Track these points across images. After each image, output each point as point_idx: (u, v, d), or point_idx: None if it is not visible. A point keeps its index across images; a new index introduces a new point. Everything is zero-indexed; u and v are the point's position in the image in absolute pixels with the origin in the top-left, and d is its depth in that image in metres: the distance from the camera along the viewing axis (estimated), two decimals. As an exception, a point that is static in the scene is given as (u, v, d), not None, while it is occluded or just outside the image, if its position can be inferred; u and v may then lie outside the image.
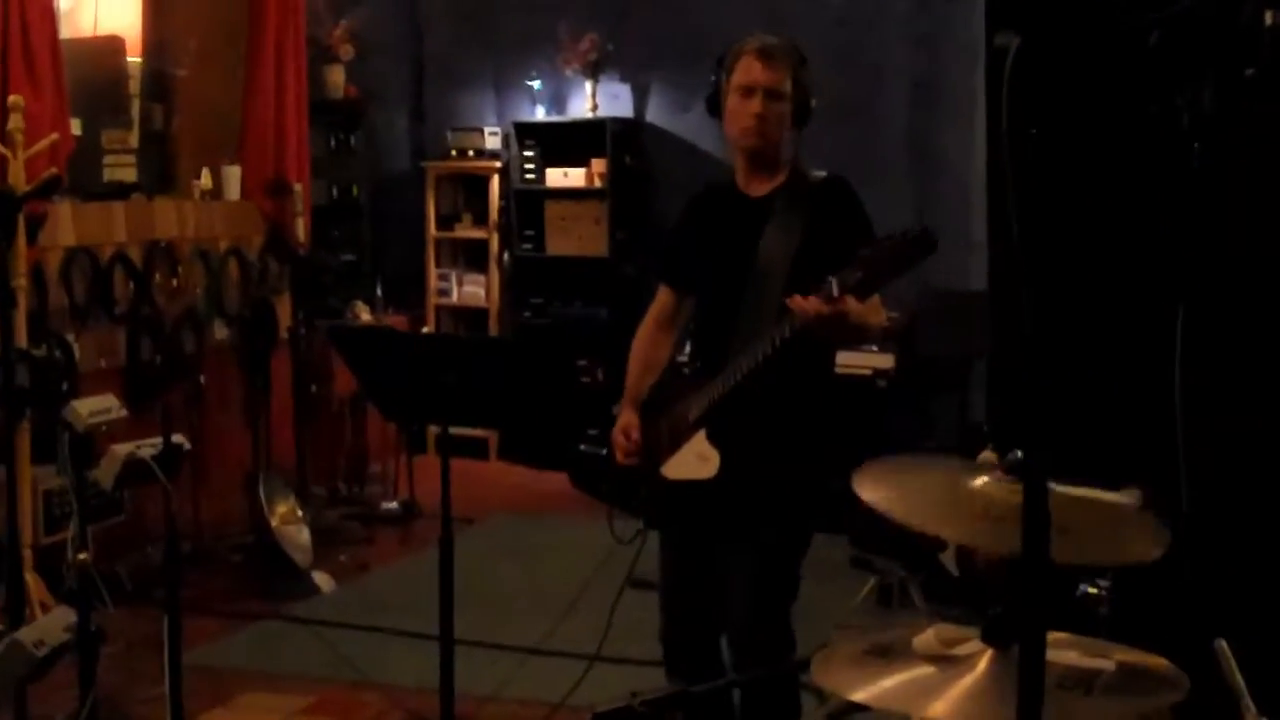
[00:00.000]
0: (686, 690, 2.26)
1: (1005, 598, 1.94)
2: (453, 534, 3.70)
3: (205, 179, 7.38)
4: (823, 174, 3.75)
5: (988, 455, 2.48)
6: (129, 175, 7.34)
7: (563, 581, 5.21)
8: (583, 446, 8.34)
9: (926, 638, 1.95)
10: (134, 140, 7.47)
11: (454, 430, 3.82)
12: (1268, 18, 2.28)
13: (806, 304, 3.29)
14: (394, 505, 7.81)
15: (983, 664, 1.89)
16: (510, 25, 9.49)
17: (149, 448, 4.07)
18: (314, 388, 7.76)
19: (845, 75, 8.06)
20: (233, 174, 7.53)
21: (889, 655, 1.95)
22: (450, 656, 3.72)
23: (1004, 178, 1.52)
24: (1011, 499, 2.02)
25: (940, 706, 1.82)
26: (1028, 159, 1.48)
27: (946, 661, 1.91)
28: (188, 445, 4.27)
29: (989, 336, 6.46)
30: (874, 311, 3.54)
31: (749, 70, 3.65)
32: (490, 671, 5.06)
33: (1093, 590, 3.03)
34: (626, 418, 3.89)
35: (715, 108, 3.79)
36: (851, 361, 7.15)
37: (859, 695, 1.86)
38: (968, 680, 1.86)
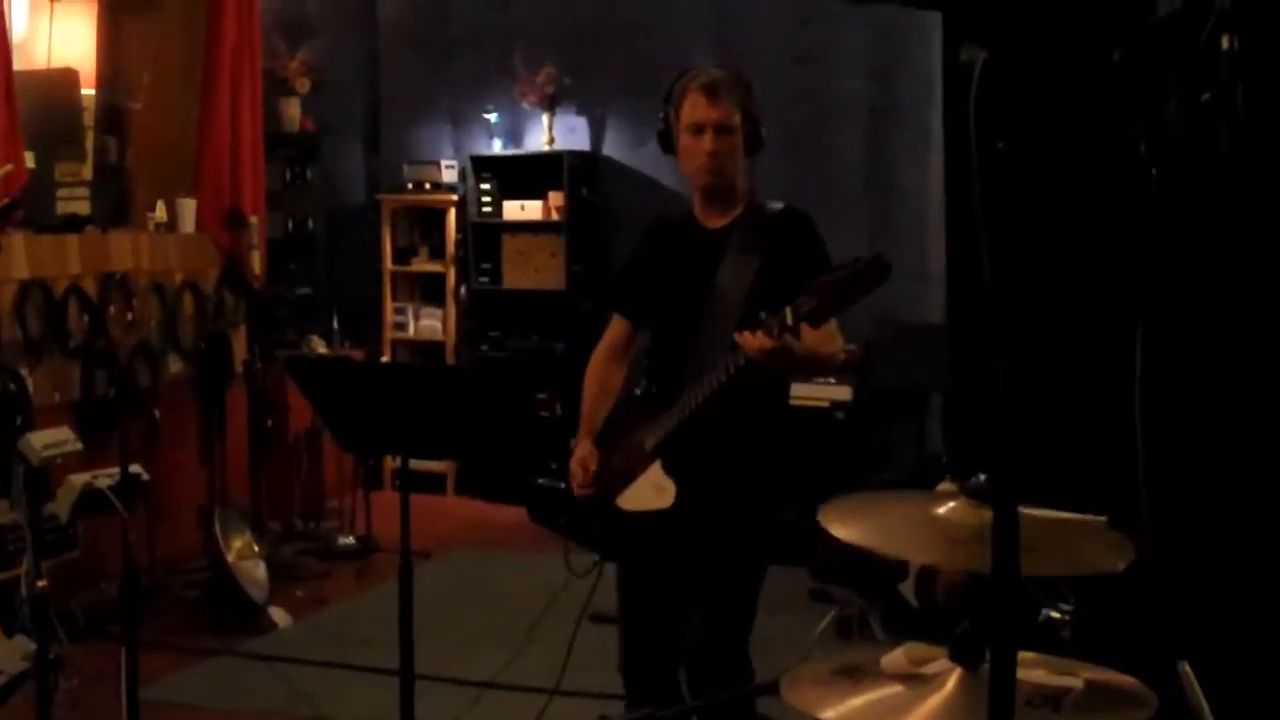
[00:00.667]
0: (654, 714, 2.24)
1: (971, 617, 1.94)
2: (412, 567, 3.67)
3: (160, 211, 7.33)
4: (780, 206, 3.75)
5: (946, 486, 2.49)
6: (83, 208, 7.31)
7: (520, 615, 5.18)
8: (540, 480, 8.33)
9: (895, 657, 1.94)
10: (88, 173, 7.45)
11: (412, 465, 3.80)
12: (1224, 41, 2.29)
13: (752, 340, 3.28)
14: (351, 540, 7.74)
15: (951, 683, 1.88)
16: (466, 58, 9.51)
17: (106, 478, 4.02)
18: (270, 422, 7.71)
19: (801, 107, 8.13)
20: (188, 206, 7.48)
21: (858, 675, 1.95)
22: (410, 691, 3.69)
23: (965, 202, 1.52)
24: (975, 521, 2.02)
25: (909, 725, 1.81)
26: (995, 173, 1.48)
27: (915, 680, 1.91)
28: (145, 475, 4.23)
29: (946, 368, 6.49)
30: (828, 341, 3.53)
31: (696, 108, 3.64)
32: (449, 706, 5.02)
33: (1055, 615, 3.04)
34: (583, 449, 3.88)
35: (668, 144, 3.78)
36: (809, 393, 7.18)
37: (828, 714, 1.85)
38: (937, 699, 1.86)
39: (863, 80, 8.35)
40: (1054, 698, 1.89)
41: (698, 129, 3.64)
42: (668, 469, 3.65)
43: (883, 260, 3.13)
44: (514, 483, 8.48)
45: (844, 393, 7.39)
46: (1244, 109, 2.37)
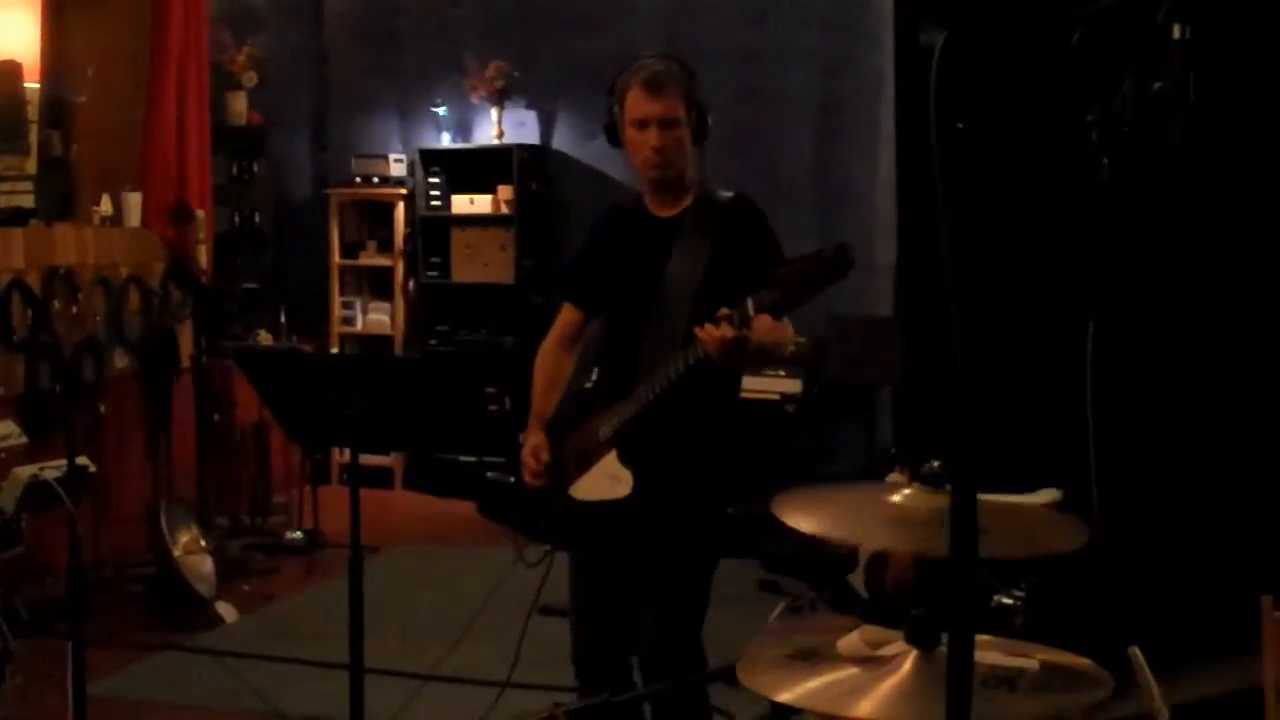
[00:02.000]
0: (608, 700, 2.24)
1: (926, 602, 1.95)
2: (362, 561, 3.65)
3: (105, 205, 7.26)
4: (730, 194, 3.75)
5: (896, 476, 2.50)
6: (27, 201, 7.22)
7: (469, 609, 5.15)
8: (490, 474, 8.33)
9: (851, 640, 1.95)
10: (32, 166, 7.37)
11: (360, 459, 3.77)
12: (1176, 30, 2.31)
13: (714, 333, 3.27)
14: (298, 535, 7.69)
15: (907, 665, 1.89)
16: (415, 52, 9.48)
17: (53, 470, 3.98)
18: (216, 417, 7.66)
19: (751, 104, 8.14)
20: (133, 200, 7.41)
21: (814, 658, 1.95)
22: (360, 685, 3.66)
23: (917, 196, 1.52)
24: (928, 506, 2.03)
25: (867, 706, 1.82)
26: (953, 154, 1.49)
27: (871, 663, 1.91)
28: (92, 468, 4.18)
29: (895, 361, 6.52)
30: (780, 332, 3.53)
31: (639, 103, 3.63)
32: (398, 699, 4.99)
33: (1008, 600, 3.06)
34: (535, 438, 3.86)
35: (614, 138, 3.77)
36: (760, 386, 7.20)
37: (785, 697, 1.86)
38: (893, 680, 1.86)
39: (813, 77, 8.36)
40: (1009, 678, 1.89)
41: (642, 124, 3.63)
42: (624, 459, 3.64)
43: (846, 251, 3.09)
44: (463, 477, 8.50)
45: (794, 386, 7.42)
46: (1195, 98, 2.38)
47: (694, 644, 3.72)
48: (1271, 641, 2.75)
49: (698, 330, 3.32)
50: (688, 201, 3.72)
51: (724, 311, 3.27)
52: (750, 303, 3.21)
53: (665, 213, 3.74)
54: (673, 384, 3.47)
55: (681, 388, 3.47)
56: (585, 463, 3.73)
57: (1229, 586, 3.11)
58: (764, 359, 3.73)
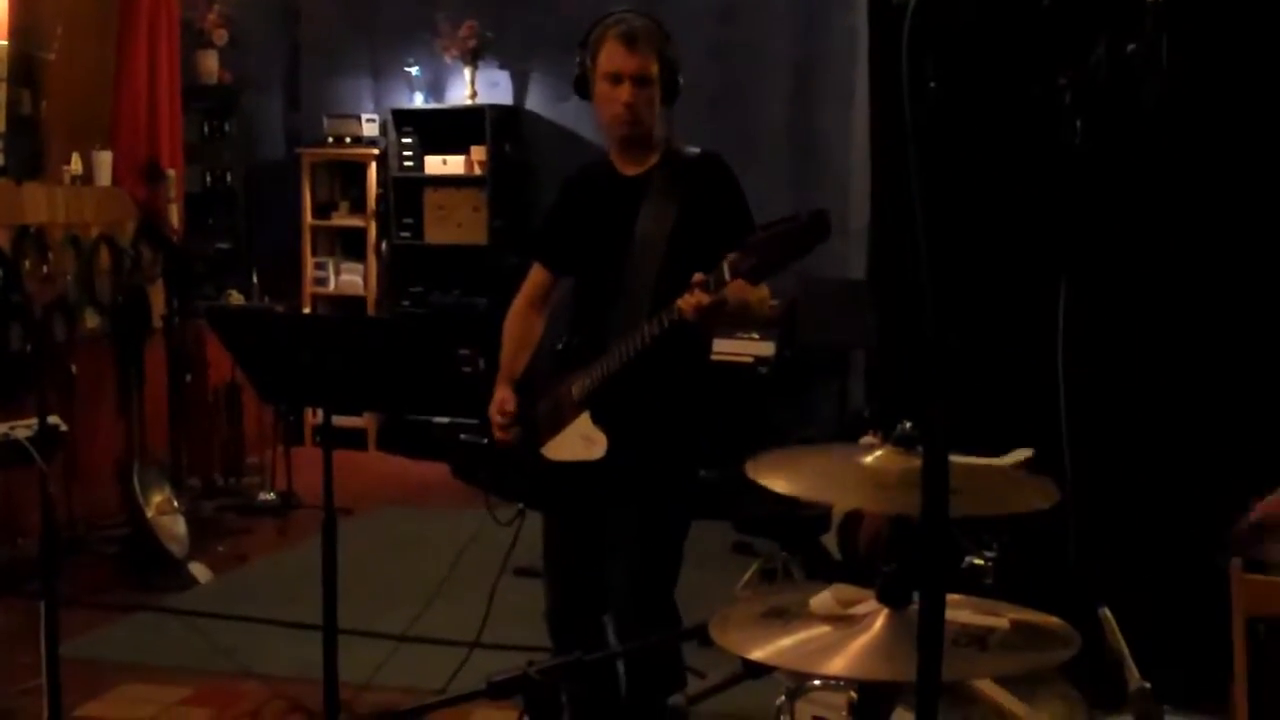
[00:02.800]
0: (581, 658, 2.25)
1: (897, 561, 1.95)
2: (335, 522, 3.65)
3: (75, 164, 7.22)
4: (696, 151, 3.74)
5: (870, 439, 2.51)
6: (-5, 160, 7.16)
7: (442, 570, 5.16)
8: (463, 436, 8.32)
9: (824, 599, 1.96)
10: (1, 125, 7.28)
11: (333, 420, 3.76)
12: (1149, -7, 2.31)
13: (690, 300, 3.26)
14: (271, 496, 7.70)
15: (879, 623, 1.90)
16: (388, 11, 9.42)
17: (24, 429, 3.96)
18: (189, 377, 7.65)
19: (724, 63, 8.13)
20: (104, 159, 7.37)
21: (787, 616, 1.96)
22: (333, 645, 3.66)
23: (891, 157, 1.52)
24: (901, 467, 2.04)
25: (839, 664, 1.83)
26: (927, 114, 1.49)
27: (844, 621, 1.92)
28: (64, 427, 4.16)
29: (869, 324, 6.53)
30: (756, 293, 3.51)
31: (613, 57, 3.61)
32: (369, 659, 5.00)
33: (978, 561, 3.07)
34: (502, 392, 3.86)
35: (583, 90, 3.76)
36: (733, 349, 7.20)
37: (757, 654, 1.86)
38: (865, 639, 1.87)
39: (787, 37, 8.35)
40: (980, 637, 1.91)
41: (615, 78, 3.62)
42: (597, 420, 3.64)
43: (823, 216, 3.07)
44: (437, 438, 8.50)
45: (767, 349, 7.42)
46: (1168, 61, 2.39)
47: (667, 603, 3.74)
48: (1239, 602, 2.77)
49: (680, 302, 3.30)
50: (654, 160, 3.72)
51: (699, 277, 3.26)
52: (726, 267, 3.20)
53: (632, 171, 3.73)
54: (646, 347, 3.47)
55: (656, 348, 3.46)
56: (558, 423, 3.74)
57: (1199, 548, 3.14)
58: (741, 320, 3.72)
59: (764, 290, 3.57)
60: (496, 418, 3.83)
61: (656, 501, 3.70)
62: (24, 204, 6.74)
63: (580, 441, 3.68)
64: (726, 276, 3.20)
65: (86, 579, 6.26)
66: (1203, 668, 2.84)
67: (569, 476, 3.72)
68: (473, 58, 8.92)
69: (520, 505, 3.86)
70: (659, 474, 3.69)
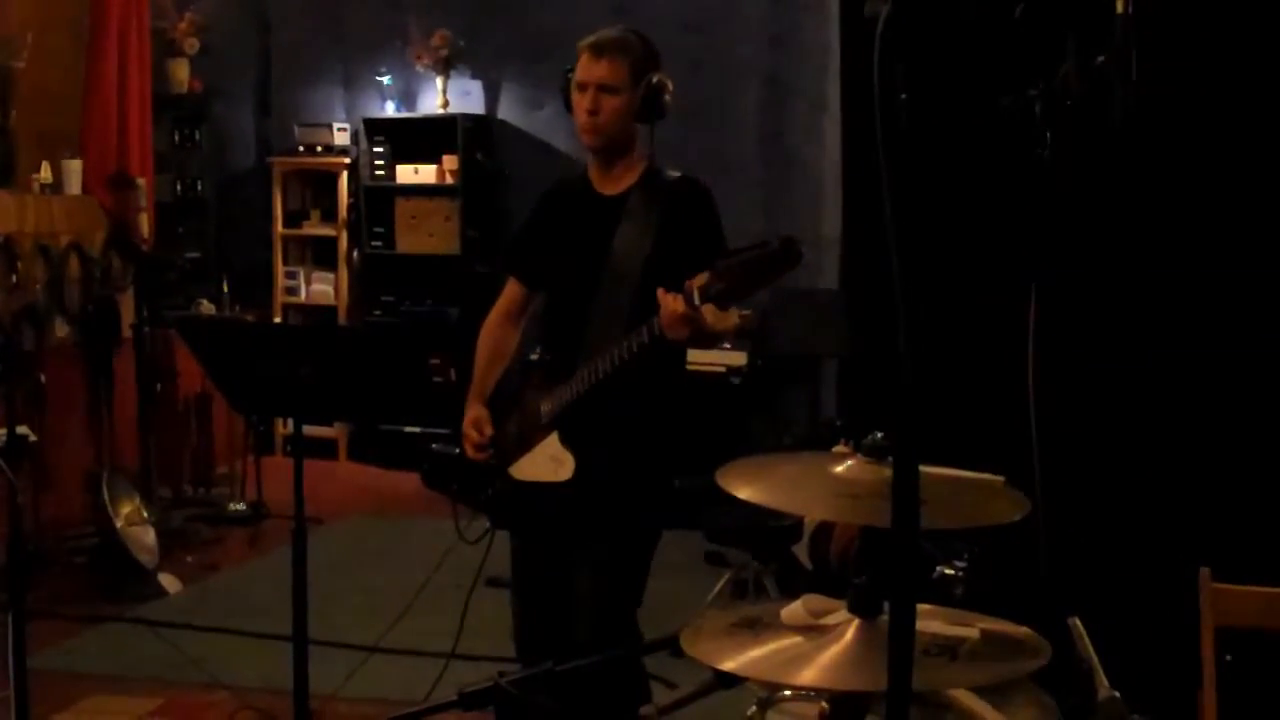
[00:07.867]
0: (551, 669, 2.24)
1: (868, 571, 1.96)
2: (306, 532, 3.63)
3: (45, 172, 7.20)
4: (677, 174, 3.72)
5: (841, 448, 2.51)
6: (-36, 168, 7.13)
7: (414, 581, 5.14)
8: (435, 446, 8.29)
9: (794, 609, 1.96)
10: (-31, 133, 7.26)
11: (304, 430, 3.75)
12: (1119, 4, 2.32)
13: (669, 303, 3.24)
14: (241, 506, 7.68)
15: (850, 633, 1.90)
16: (360, 20, 9.41)
17: (-9, 439, 3.94)
18: (159, 387, 7.61)
19: (697, 75, 8.13)
20: (73, 168, 7.35)
21: (757, 627, 1.96)
22: (304, 656, 3.65)
23: (863, 168, 1.53)
24: (871, 477, 2.04)
25: (810, 674, 1.83)
26: (897, 126, 1.49)
27: (814, 632, 1.92)
28: (33, 437, 4.14)
29: (840, 334, 6.55)
30: (724, 319, 3.43)
31: (581, 66, 3.62)
32: (339, 670, 4.99)
33: (949, 571, 3.08)
34: (475, 410, 3.83)
35: (567, 103, 3.76)
36: (705, 359, 7.21)
37: (728, 665, 1.86)
38: (836, 649, 1.87)
39: (759, 49, 8.37)
40: (950, 647, 1.91)
41: (581, 87, 3.62)
42: (566, 441, 3.62)
43: (793, 244, 3.04)
44: (408, 448, 8.47)
45: (739, 358, 7.44)
46: (1138, 72, 2.40)
47: (628, 624, 3.70)
48: (1208, 612, 2.78)
49: (660, 293, 3.27)
50: (633, 179, 3.70)
51: (666, 293, 3.25)
52: (696, 291, 3.19)
53: (610, 190, 3.71)
54: (616, 369, 3.45)
55: (629, 368, 3.44)
56: (526, 443, 3.71)
57: (1168, 558, 3.15)
58: (708, 342, 3.68)
59: (733, 317, 3.53)
60: (474, 436, 3.79)
61: (622, 526, 3.67)
62: (-8, 212, 6.71)
63: (548, 462, 3.64)
64: (697, 301, 3.19)
65: (55, 589, 6.22)
66: (1171, 677, 2.85)
67: (536, 498, 3.69)
68: (445, 67, 8.91)
69: (487, 524, 3.83)
70: (627, 500, 3.66)
